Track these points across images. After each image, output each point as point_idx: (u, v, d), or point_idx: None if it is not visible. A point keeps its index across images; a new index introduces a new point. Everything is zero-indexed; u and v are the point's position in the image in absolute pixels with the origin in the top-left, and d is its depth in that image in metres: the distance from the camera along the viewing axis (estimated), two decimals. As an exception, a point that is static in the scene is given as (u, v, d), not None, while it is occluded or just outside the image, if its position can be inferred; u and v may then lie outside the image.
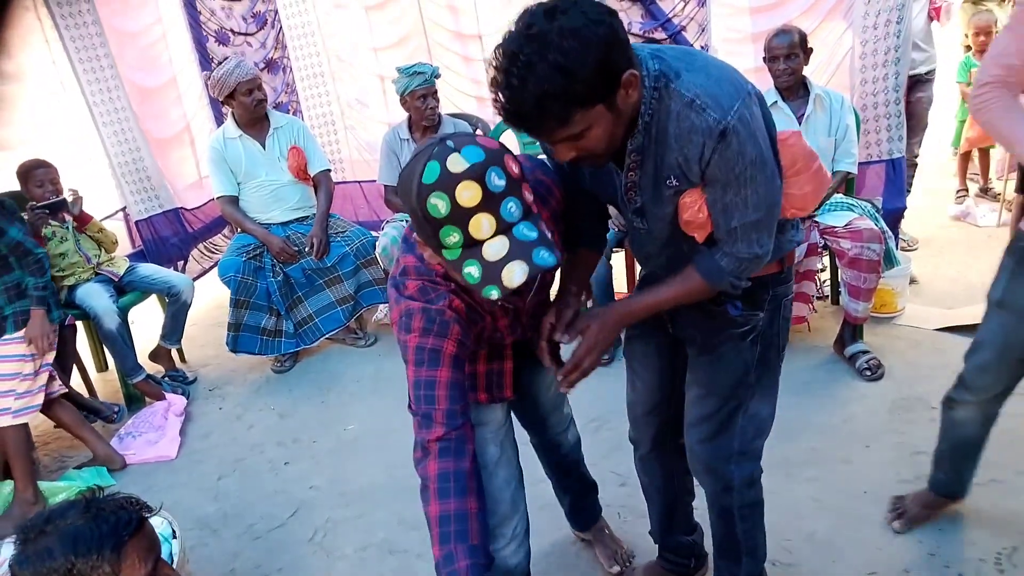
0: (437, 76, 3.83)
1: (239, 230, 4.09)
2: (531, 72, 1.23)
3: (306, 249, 3.92)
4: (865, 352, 3.25)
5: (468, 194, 1.28)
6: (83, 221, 3.74)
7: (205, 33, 4.98)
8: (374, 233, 4.19)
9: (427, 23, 4.57)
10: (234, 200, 3.96)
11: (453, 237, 1.31)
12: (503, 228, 1.31)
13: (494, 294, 1.32)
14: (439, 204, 1.28)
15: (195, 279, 4.81)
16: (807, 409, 2.98)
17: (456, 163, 1.29)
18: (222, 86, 3.79)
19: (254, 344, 3.92)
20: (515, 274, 1.30)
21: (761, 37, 3.54)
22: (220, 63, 3.99)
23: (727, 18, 3.99)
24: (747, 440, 1.82)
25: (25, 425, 3.06)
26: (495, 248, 1.31)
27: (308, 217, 4.04)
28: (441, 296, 1.53)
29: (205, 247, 5.32)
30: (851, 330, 3.32)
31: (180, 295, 3.89)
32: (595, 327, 1.63)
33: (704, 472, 1.88)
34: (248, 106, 3.83)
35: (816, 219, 3.31)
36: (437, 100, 3.84)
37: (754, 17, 3.88)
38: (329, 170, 4.13)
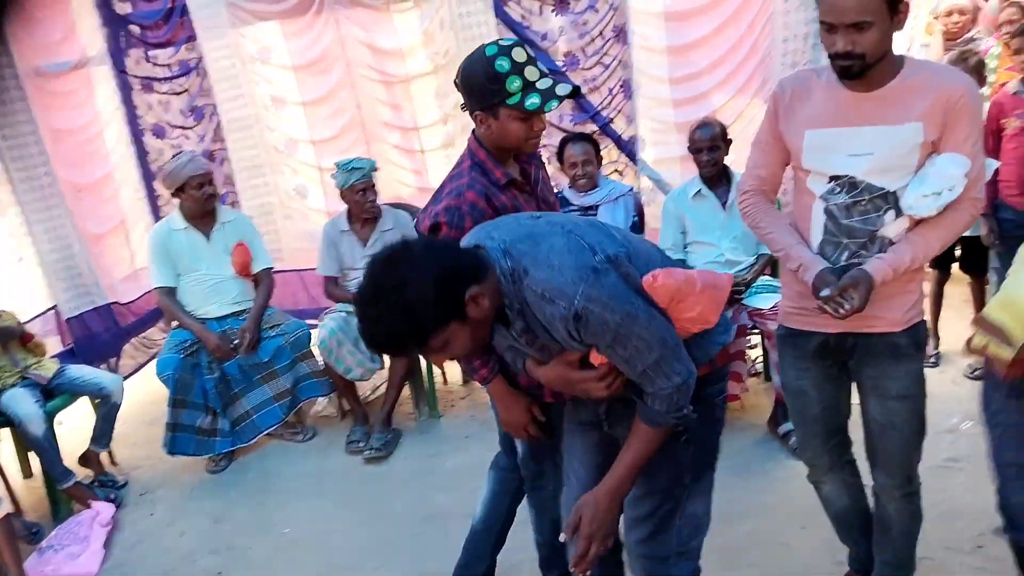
0: (375, 170, 3.90)
1: (175, 325, 4.03)
2: (379, 319, 1.48)
3: (237, 343, 3.88)
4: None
5: (520, 53, 1.95)
6: (26, 340, 3.71)
7: (142, 127, 4.99)
8: (312, 322, 4.17)
9: (365, 117, 4.67)
10: (172, 292, 3.92)
11: (516, 83, 1.93)
12: (544, 73, 1.98)
13: (554, 104, 1.95)
14: (503, 63, 1.92)
15: (129, 375, 4.70)
16: (745, 490, 3.01)
17: (504, 40, 1.99)
18: (173, 179, 3.81)
19: (190, 445, 3.82)
20: (560, 87, 1.96)
21: (685, 127, 3.70)
22: (174, 156, 4.01)
23: (652, 110, 4.17)
24: (684, 540, 1.84)
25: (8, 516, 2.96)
26: (544, 83, 1.96)
27: (245, 311, 3.99)
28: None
29: (140, 342, 5.20)
30: (783, 408, 3.37)
31: (110, 397, 3.79)
32: (587, 517, 1.70)
33: (643, 574, 1.89)
34: (199, 199, 3.83)
35: (744, 302, 3.42)
36: (375, 193, 3.92)
37: (677, 109, 4.07)
38: (271, 268, 4.13)
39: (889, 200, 1.87)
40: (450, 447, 3.80)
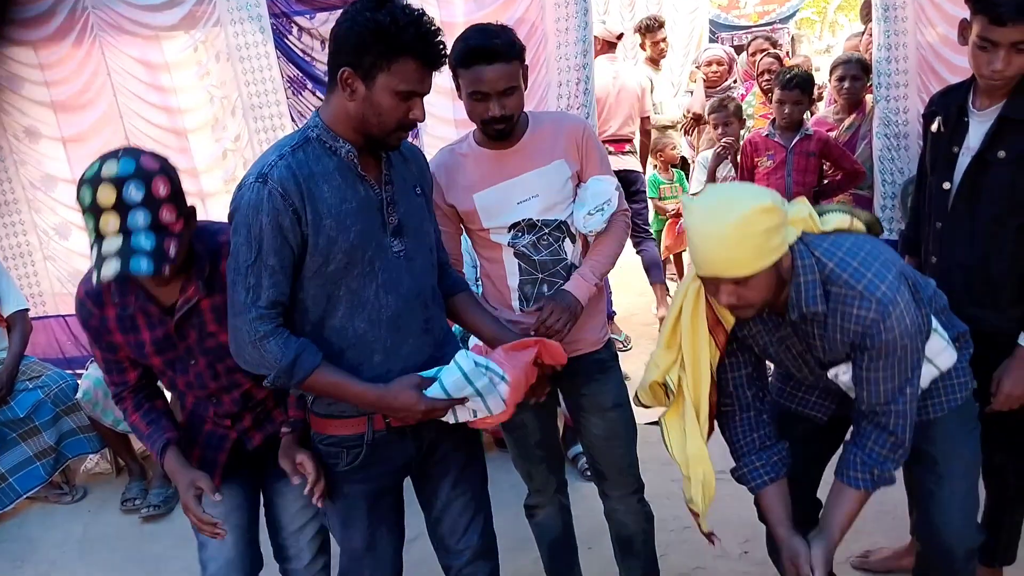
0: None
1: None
2: None
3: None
4: (583, 453, 3.43)
5: (105, 195, 1.59)
6: None
7: None
8: (77, 372, 3.81)
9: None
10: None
11: (89, 223, 1.62)
12: (124, 230, 1.60)
13: (94, 278, 1.60)
14: (85, 196, 1.61)
15: None
16: (523, 524, 3.05)
17: (109, 167, 1.61)
18: None
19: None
20: (109, 269, 1.58)
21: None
22: None
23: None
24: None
25: None
26: (110, 244, 1.60)
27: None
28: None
29: None
30: (571, 432, 3.48)
31: None
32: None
33: None
34: None
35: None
36: None
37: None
38: (26, 310, 3.73)
39: (563, 229, 2.13)
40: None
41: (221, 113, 4.23)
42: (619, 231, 2.19)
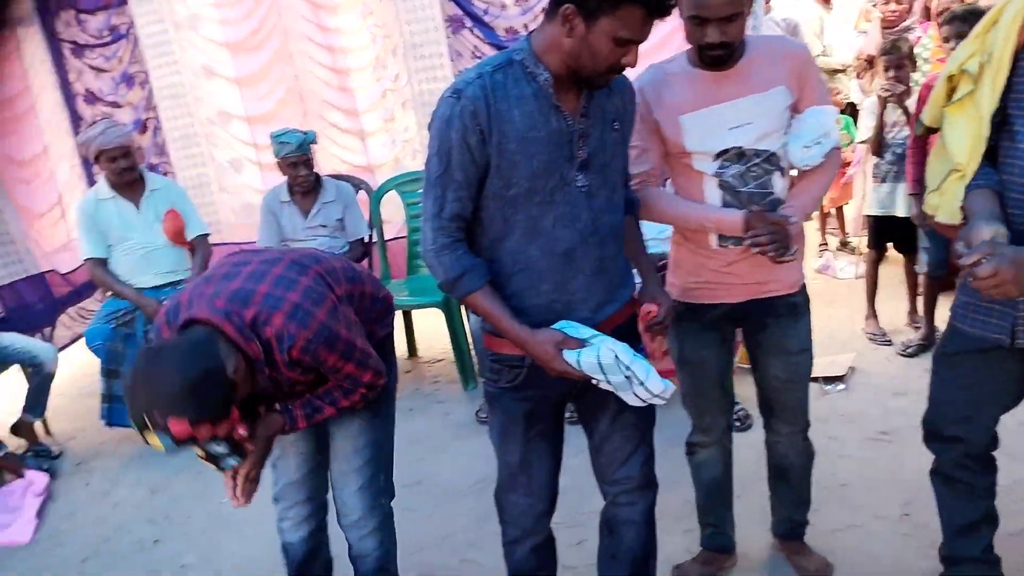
0: (312, 142, 3.83)
1: (109, 294, 3.93)
2: None
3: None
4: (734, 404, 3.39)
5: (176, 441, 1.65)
6: None
7: (74, 94, 4.83)
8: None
9: (304, 92, 4.57)
10: (103, 263, 3.81)
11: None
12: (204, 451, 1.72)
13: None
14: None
15: (64, 346, 4.59)
16: (682, 461, 3.06)
17: (154, 440, 1.66)
18: (87, 149, 3.70)
19: (127, 416, 3.72)
20: (211, 465, 1.77)
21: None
22: (92, 124, 3.87)
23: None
24: None
25: None
26: (200, 454, 1.74)
27: (182, 281, 3.89)
28: None
29: (76, 312, 5.07)
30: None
31: (43, 366, 3.70)
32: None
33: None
34: (113, 172, 3.71)
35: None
36: (309, 168, 3.84)
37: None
38: (207, 234, 4.03)
39: (773, 162, 2.01)
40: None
41: (382, 53, 4.36)
42: (831, 169, 2.07)
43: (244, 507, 1.96)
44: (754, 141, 1.97)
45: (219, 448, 1.71)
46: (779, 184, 2.02)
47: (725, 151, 1.98)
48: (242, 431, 1.76)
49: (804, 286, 2.19)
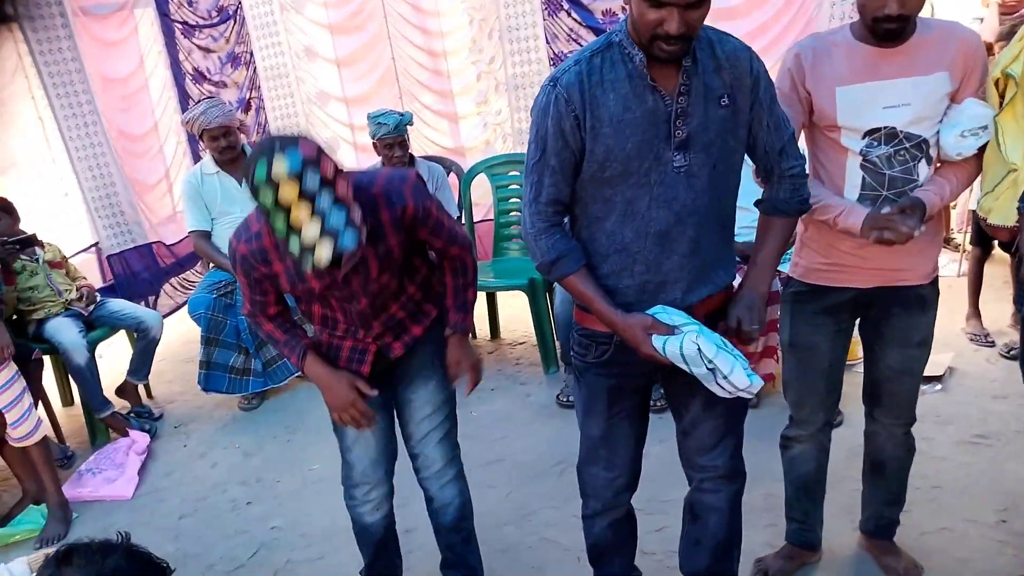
0: (409, 124, 3.88)
1: (212, 266, 4.10)
2: None
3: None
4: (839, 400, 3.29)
5: (287, 192, 1.56)
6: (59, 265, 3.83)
7: (183, 72, 5.05)
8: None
9: (400, 74, 4.66)
10: (207, 235, 3.98)
11: (278, 222, 1.60)
12: (317, 215, 1.58)
13: (309, 267, 1.61)
14: (267, 197, 1.57)
15: (167, 315, 4.81)
16: (767, 456, 3.02)
17: (279, 164, 1.56)
18: (191, 127, 3.86)
19: (223, 383, 3.91)
20: (323, 253, 1.59)
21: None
22: (196, 102, 4.04)
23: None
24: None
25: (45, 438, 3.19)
26: (309, 232, 1.58)
27: (282, 255, 4.04)
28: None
29: (178, 282, 5.32)
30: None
31: (149, 331, 3.89)
32: (756, 308, 1.78)
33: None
34: (214, 149, 3.87)
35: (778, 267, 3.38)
36: (404, 149, 3.88)
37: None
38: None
39: (922, 149, 1.92)
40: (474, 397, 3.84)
41: (479, 35, 4.39)
42: (978, 166, 1.98)
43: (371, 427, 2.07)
44: (907, 124, 1.90)
45: (331, 209, 1.60)
46: (924, 173, 1.93)
47: (876, 130, 1.91)
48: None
49: (937, 279, 2.10)
